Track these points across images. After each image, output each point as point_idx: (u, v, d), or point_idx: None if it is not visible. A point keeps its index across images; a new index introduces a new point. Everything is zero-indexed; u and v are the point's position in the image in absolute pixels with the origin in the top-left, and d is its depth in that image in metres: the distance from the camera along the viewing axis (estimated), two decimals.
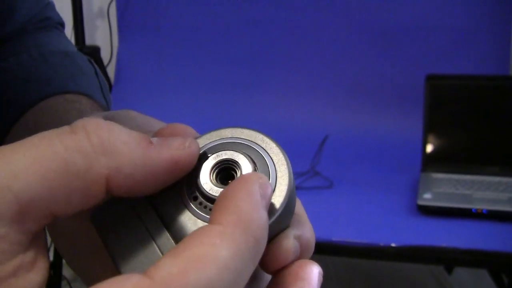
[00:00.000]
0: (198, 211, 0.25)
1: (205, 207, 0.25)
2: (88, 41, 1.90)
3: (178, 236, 0.24)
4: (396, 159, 1.50)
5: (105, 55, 1.91)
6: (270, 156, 0.26)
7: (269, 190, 0.23)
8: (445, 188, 1.27)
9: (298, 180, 1.36)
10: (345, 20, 1.70)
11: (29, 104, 0.43)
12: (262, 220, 0.21)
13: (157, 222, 0.25)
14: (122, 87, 1.83)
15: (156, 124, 0.31)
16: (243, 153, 0.26)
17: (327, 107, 1.68)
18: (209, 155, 0.26)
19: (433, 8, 1.65)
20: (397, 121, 1.61)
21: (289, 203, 0.25)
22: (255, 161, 0.26)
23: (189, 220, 0.25)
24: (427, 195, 1.24)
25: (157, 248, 0.24)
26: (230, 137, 0.27)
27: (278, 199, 0.25)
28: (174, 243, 0.24)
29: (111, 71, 1.90)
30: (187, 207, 0.25)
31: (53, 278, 1.68)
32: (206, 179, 0.25)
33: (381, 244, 1.11)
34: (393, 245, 1.11)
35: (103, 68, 1.88)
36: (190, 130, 0.28)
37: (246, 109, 1.73)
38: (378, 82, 1.68)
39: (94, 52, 1.86)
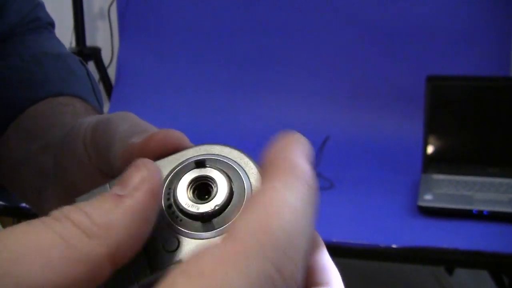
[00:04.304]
0: (169, 219, 0.26)
1: (177, 217, 0.26)
2: (89, 42, 1.90)
3: (147, 240, 0.25)
4: (396, 160, 1.50)
5: (105, 56, 1.91)
6: (249, 180, 0.27)
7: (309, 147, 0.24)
8: (446, 189, 1.27)
9: None
10: (345, 21, 1.70)
11: (22, 107, 0.42)
12: (311, 171, 0.23)
13: None
14: (123, 87, 1.83)
15: (151, 128, 0.31)
16: (223, 172, 0.27)
17: (327, 108, 1.68)
18: (190, 170, 0.27)
19: (434, 9, 1.65)
20: (398, 122, 1.61)
21: None
22: (233, 182, 0.27)
23: (160, 226, 0.26)
24: (428, 196, 1.23)
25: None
26: (217, 154, 0.28)
27: None
28: (142, 248, 0.25)
29: (111, 71, 1.90)
30: (162, 216, 0.26)
31: None
32: (183, 192, 0.26)
33: (382, 245, 1.11)
34: (393, 246, 1.11)
35: (103, 69, 1.88)
36: (183, 139, 0.28)
37: (247, 109, 1.73)
38: (378, 83, 1.68)
39: (94, 53, 1.86)
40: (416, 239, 1.12)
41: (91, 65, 1.85)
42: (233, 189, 0.26)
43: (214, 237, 0.25)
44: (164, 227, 0.26)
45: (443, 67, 1.61)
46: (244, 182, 0.27)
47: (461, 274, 1.70)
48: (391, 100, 1.65)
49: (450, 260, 1.18)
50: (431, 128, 1.39)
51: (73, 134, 0.34)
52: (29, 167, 0.38)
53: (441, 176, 1.33)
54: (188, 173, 0.27)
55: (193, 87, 1.80)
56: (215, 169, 0.27)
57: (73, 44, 1.88)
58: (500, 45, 1.61)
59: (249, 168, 0.27)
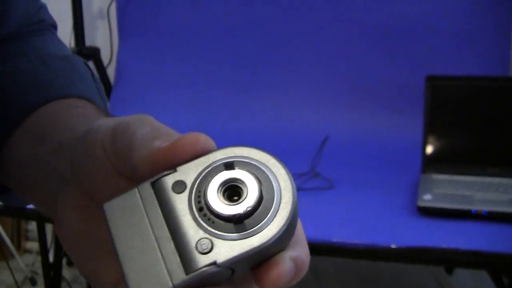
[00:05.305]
0: (201, 222, 0.27)
1: (209, 219, 0.27)
2: (88, 42, 1.90)
3: (180, 242, 0.26)
4: (396, 160, 1.50)
5: (105, 56, 1.91)
6: (278, 181, 0.27)
7: None
8: (445, 189, 1.27)
9: (299, 181, 1.36)
10: (345, 21, 1.70)
11: (30, 108, 0.42)
12: None
13: (163, 227, 0.27)
14: (122, 88, 1.83)
15: (172, 131, 0.31)
16: (252, 174, 0.27)
17: (327, 108, 1.68)
18: (219, 172, 0.28)
19: (433, 9, 1.65)
20: (397, 122, 1.61)
21: (288, 228, 0.27)
22: (263, 184, 0.27)
23: (192, 229, 0.27)
24: (427, 196, 1.24)
25: (160, 257, 0.26)
26: (244, 156, 0.28)
27: (278, 224, 0.26)
28: (175, 251, 0.26)
29: (111, 72, 1.90)
30: (192, 215, 0.27)
31: (53, 279, 1.68)
32: (214, 195, 0.27)
33: (381, 245, 1.11)
34: (393, 246, 1.11)
35: (103, 69, 1.88)
36: (210, 142, 0.29)
37: (247, 109, 1.73)
38: (378, 83, 1.68)
39: (94, 53, 1.86)
40: (415, 239, 1.12)
41: (90, 65, 1.85)
42: (263, 191, 0.27)
43: (246, 237, 0.26)
44: (196, 229, 0.27)
45: (443, 67, 1.61)
46: (273, 183, 0.27)
47: (461, 274, 1.70)
48: (391, 100, 1.65)
49: (449, 260, 1.18)
50: (431, 128, 1.39)
51: (91, 138, 0.33)
52: (40, 169, 0.38)
53: (440, 176, 1.33)
54: (217, 175, 0.27)
55: (193, 87, 1.80)
56: (244, 170, 0.27)
57: (72, 44, 1.88)
58: (500, 45, 1.61)
59: (277, 169, 0.28)
